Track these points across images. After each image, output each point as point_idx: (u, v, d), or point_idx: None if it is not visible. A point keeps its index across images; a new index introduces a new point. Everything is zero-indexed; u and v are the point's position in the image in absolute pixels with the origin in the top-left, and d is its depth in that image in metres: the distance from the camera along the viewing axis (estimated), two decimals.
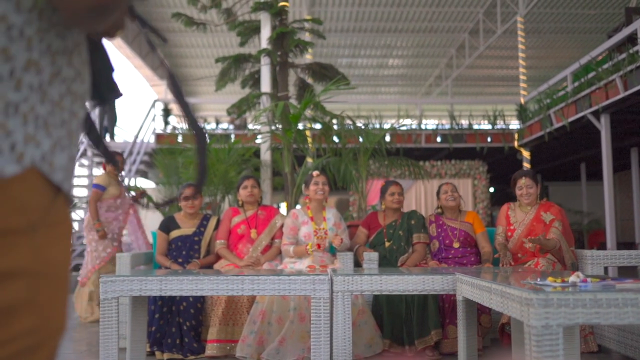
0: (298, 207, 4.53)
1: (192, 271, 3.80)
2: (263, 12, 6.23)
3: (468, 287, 2.96)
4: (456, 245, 4.52)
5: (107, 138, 12.41)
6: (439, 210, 4.73)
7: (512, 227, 4.50)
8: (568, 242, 4.27)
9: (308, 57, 10.58)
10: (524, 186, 4.50)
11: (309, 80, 6.68)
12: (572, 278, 2.28)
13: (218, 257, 4.55)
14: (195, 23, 6.90)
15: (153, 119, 12.21)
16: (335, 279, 3.28)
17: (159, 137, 12.16)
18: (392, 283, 3.29)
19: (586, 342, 3.94)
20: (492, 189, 17.77)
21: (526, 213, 4.50)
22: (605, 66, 8.34)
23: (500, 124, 12.46)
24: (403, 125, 5.98)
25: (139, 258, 4.52)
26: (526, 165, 11.96)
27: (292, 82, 6.86)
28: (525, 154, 12.01)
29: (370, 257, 4.36)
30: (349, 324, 3.22)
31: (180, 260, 4.46)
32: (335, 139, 5.92)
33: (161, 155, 8.30)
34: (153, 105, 12.24)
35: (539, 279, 2.39)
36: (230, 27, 6.96)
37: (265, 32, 6.25)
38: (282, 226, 4.56)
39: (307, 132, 5.39)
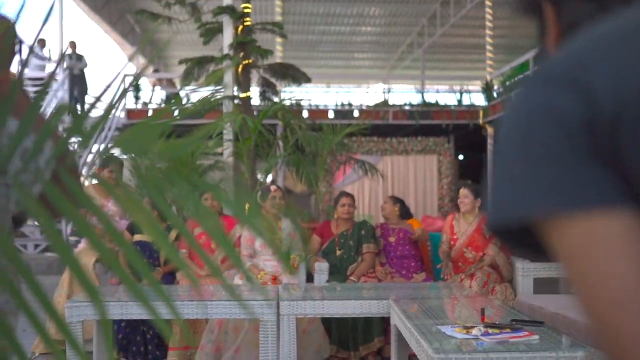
0: None
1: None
2: (225, 15, 6.35)
3: (396, 317, 3.32)
4: (392, 239, 4.94)
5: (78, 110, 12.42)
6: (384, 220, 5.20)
7: (455, 237, 4.91)
8: (506, 256, 4.70)
9: (278, 50, 10.67)
10: (462, 196, 4.96)
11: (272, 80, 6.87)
12: (474, 331, 2.63)
13: None
14: (160, 17, 6.98)
15: (124, 94, 12.21)
16: (282, 303, 3.62)
17: (129, 112, 12.21)
18: (333, 307, 3.66)
19: None
20: (461, 157, 18.21)
21: (469, 224, 4.89)
22: None
23: (466, 102, 12.77)
24: (365, 127, 6.25)
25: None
26: (490, 141, 12.34)
27: (256, 80, 7.04)
28: (490, 130, 12.36)
29: (321, 268, 4.70)
30: (294, 344, 3.58)
31: None
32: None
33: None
34: (123, 80, 12.22)
35: (450, 328, 2.74)
36: (196, 21, 7.07)
37: (228, 34, 6.39)
38: (240, 237, 4.85)
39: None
